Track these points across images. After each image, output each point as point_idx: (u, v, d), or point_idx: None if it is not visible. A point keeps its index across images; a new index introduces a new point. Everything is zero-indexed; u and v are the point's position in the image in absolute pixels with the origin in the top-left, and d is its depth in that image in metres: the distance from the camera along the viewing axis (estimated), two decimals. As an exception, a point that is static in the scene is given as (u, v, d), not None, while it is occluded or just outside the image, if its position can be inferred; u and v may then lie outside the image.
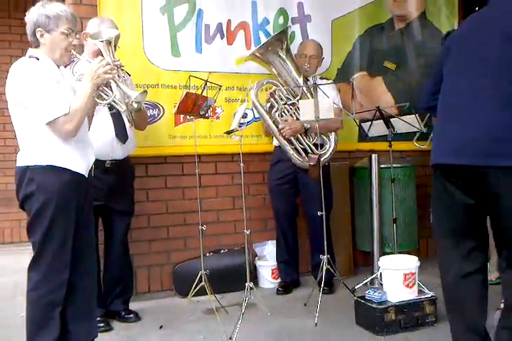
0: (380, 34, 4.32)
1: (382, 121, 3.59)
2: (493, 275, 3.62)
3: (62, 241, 2.26)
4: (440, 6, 4.53)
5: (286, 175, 3.62)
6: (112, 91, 2.32)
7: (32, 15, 2.28)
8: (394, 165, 3.66)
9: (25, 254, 2.54)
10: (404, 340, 2.75)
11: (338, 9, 4.13)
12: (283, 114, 3.55)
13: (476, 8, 4.50)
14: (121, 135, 2.98)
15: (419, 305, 2.88)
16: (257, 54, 3.56)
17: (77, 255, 2.32)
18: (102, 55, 2.46)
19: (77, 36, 2.35)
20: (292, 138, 3.52)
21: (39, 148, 2.25)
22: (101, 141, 2.84)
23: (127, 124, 3.00)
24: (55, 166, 2.24)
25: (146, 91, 2.45)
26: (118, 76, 2.40)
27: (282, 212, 3.69)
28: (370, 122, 3.66)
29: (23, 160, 2.27)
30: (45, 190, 2.21)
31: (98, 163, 2.62)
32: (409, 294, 2.90)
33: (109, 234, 3.14)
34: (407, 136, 3.78)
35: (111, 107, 2.85)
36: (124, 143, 3.00)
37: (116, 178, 3.00)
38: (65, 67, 2.41)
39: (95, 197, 2.62)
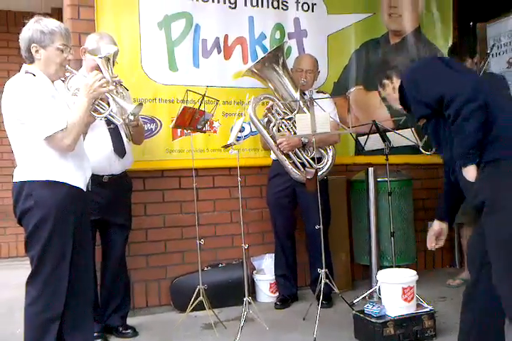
0: (376, 48, 4.37)
1: (378, 134, 3.61)
2: (456, 281, 3.88)
3: (61, 256, 2.26)
4: (435, 21, 4.57)
5: (285, 189, 3.61)
6: (108, 104, 2.33)
7: (27, 31, 2.29)
8: (391, 179, 3.67)
9: (22, 269, 2.52)
10: (403, 354, 2.73)
11: (334, 24, 4.17)
12: (280, 128, 3.55)
13: (471, 23, 4.61)
14: (119, 150, 2.99)
15: (418, 319, 2.86)
16: (254, 69, 3.58)
17: (74, 268, 2.30)
18: (101, 71, 2.48)
19: (71, 51, 2.37)
20: (290, 153, 3.52)
21: (36, 163, 2.25)
22: (99, 156, 2.85)
23: (125, 139, 3.01)
24: (52, 181, 2.25)
25: (141, 104, 2.46)
26: (117, 92, 2.41)
27: (281, 226, 3.68)
28: (366, 136, 3.67)
29: (20, 175, 2.28)
30: (44, 205, 2.21)
31: (95, 178, 2.62)
32: (408, 308, 2.88)
33: (106, 248, 3.13)
34: (404, 150, 3.80)
35: (109, 122, 2.87)
36: (122, 157, 3.00)
37: (113, 192, 2.99)
38: (63, 81, 2.42)
39: (93, 211, 2.62)
